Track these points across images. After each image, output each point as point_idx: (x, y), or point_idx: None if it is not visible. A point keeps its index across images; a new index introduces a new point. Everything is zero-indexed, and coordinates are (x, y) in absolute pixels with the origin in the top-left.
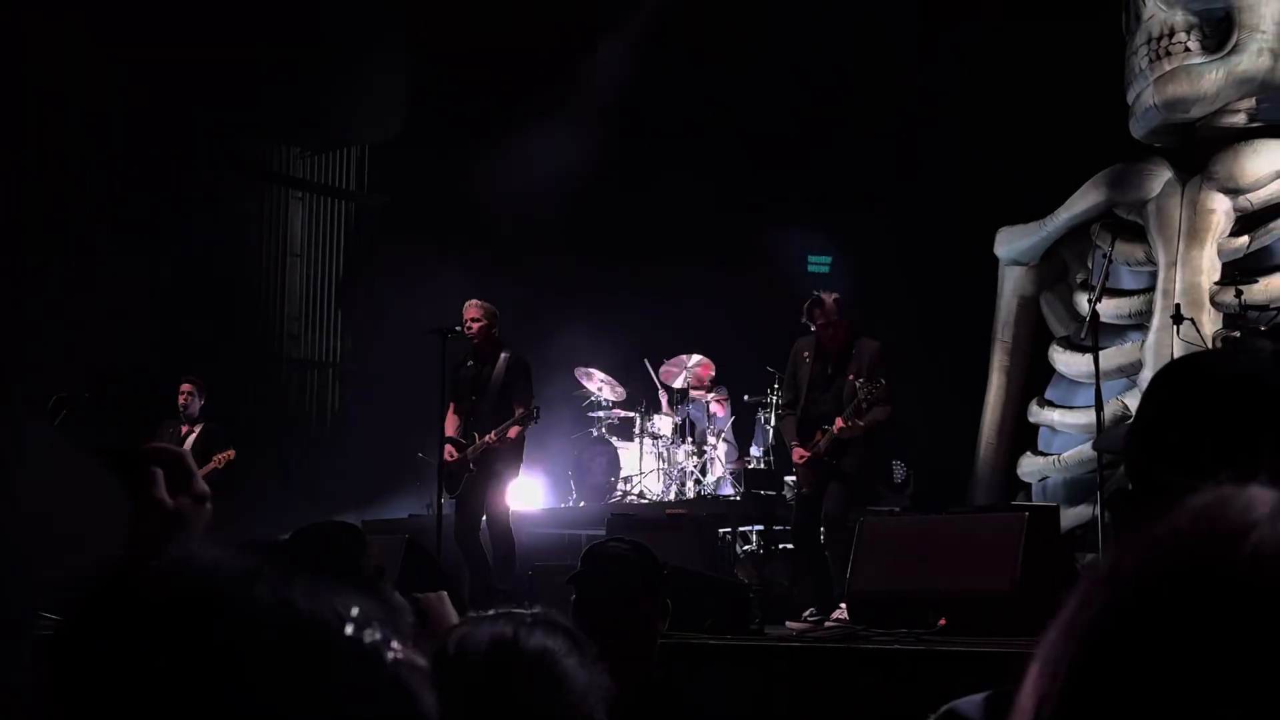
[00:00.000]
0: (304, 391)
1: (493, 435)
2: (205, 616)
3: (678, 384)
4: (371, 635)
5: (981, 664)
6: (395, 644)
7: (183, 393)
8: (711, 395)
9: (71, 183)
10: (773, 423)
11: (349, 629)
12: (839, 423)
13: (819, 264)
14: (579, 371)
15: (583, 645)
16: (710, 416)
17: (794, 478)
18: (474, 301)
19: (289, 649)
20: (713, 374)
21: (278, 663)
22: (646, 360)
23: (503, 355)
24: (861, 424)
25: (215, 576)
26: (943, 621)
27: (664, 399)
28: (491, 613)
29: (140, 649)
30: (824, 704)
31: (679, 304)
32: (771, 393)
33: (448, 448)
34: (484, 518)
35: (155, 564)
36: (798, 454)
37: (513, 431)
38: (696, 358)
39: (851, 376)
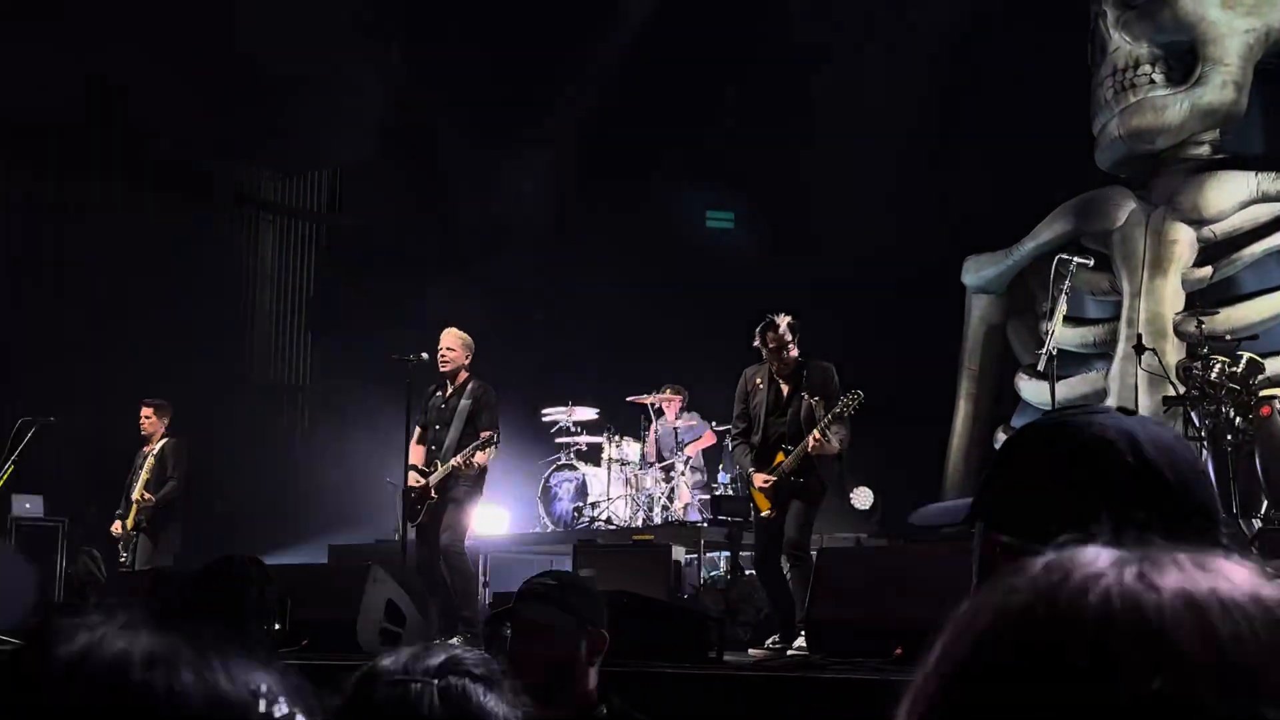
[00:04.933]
0: (271, 414)
1: (459, 459)
2: (133, 709)
3: (651, 409)
4: (280, 710)
5: None
6: (300, 715)
7: (143, 417)
8: (689, 421)
9: (39, 204)
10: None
11: (262, 705)
12: (812, 438)
13: (720, 220)
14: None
15: (496, 680)
16: (679, 442)
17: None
18: (451, 330)
19: None
20: (680, 403)
21: None
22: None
23: (470, 385)
24: (833, 441)
25: (133, 664)
26: (899, 651)
27: (656, 426)
28: (401, 651)
29: None
30: None
31: (651, 330)
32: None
33: (412, 475)
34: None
35: (59, 649)
36: (759, 479)
37: (479, 457)
38: (666, 390)
39: (806, 396)
